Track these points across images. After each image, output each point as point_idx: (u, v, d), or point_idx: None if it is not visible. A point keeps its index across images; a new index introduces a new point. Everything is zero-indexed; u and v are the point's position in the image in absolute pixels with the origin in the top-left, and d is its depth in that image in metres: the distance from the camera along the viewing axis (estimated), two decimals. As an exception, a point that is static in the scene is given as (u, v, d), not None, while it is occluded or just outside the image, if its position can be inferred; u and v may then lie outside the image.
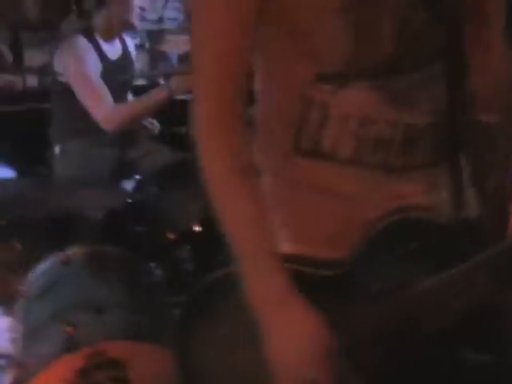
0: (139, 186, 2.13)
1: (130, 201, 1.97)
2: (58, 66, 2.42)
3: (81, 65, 2.33)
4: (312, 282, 0.85)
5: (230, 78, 0.85)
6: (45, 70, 3.40)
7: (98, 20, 2.41)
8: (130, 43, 2.63)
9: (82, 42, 2.38)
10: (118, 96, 2.44)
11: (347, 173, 0.88)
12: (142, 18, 3.04)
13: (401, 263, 0.84)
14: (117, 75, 2.44)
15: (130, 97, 2.63)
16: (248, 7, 0.83)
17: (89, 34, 2.41)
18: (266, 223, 0.85)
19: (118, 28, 2.46)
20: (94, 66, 2.35)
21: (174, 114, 1.97)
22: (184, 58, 3.65)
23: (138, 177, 2.24)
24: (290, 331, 0.80)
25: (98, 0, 2.43)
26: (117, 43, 2.51)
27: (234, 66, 0.86)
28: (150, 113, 2.42)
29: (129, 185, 2.23)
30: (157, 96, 2.30)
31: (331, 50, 0.84)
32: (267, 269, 0.83)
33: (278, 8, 0.84)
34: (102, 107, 2.30)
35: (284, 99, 0.91)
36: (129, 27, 2.50)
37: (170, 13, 3.83)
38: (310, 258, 0.87)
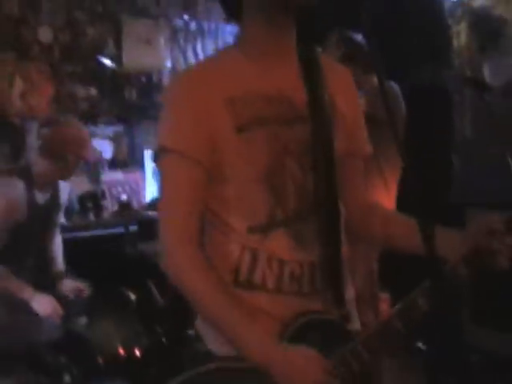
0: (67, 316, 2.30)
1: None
2: None
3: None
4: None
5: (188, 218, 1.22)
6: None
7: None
8: (65, 188, 2.71)
9: (17, 184, 2.45)
10: (42, 236, 2.58)
11: (273, 298, 1.24)
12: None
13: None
14: (42, 218, 2.54)
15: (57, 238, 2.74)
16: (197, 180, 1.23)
17: (25, 176, 2.49)
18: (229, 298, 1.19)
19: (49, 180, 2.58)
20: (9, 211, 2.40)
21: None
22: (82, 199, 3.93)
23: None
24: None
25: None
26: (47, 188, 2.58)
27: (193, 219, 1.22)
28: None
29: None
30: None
31: (255, 208, 1.23)
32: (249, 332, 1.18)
33: (214, 177, 1.22)
34: None
35: (223, 246, 1.26)
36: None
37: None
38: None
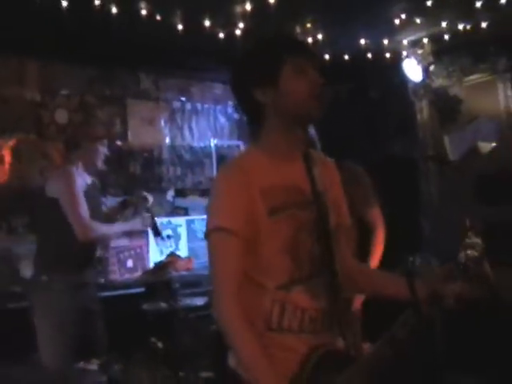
0: (105, 364, 2.66)
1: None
2: (49, 191, 3.03)
3: (69, 182, 2.99)
4: None
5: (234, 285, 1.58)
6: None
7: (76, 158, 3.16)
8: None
9: (72, 168, 3.09)
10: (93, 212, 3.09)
11: (297, 338, 1.63)
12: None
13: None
14: (92, 195, 3.17)
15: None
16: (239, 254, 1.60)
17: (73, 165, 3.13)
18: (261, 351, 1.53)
19: (88, 166, 3.19)
20: (79, 184, 3.04)
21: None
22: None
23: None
24: None
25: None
26: (86, 174, 3.22)
27: (236, 280, 1.59)
28: (116, 238, 3.15)
29: (92, 365, 2.73)
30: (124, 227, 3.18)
31: (281, 272, 1.63)
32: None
33: (250, 248, 1.60)
34: (82, 219, 2.94)
35: (257, 299, 1.63)
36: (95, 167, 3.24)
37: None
38: None
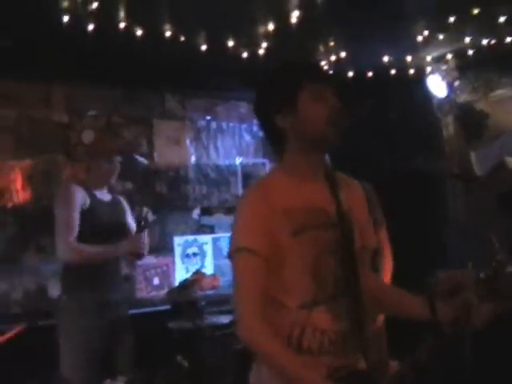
0: (131, 382, 2.68)
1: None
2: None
3: (66, 201, 2.96)
4: None
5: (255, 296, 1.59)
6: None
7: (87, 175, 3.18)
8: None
9: (73, 186, 3.07)
10: (108, 232, 3.07)
11: (317, 359, 1.62)
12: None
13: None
14: (109, 214, 3.12)
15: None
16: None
17: (81, 183, 3.12)
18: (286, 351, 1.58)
19: (100, 182, 3.18)
20: (78, 202, 2.96)
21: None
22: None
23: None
24: None
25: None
26: (105, 191, 3.22)
27: (258, 299, 1.60)
28: (102, 261, 3.00)
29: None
30: (113, 251, 3.05)
31: (303, 291, 1.64)
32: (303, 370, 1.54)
33: (273, 267, 1.62)
34: (66, 239, 2.86)
35: (278, 319, 1.63)
36: (108, 183, 3.25)
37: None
38: None
